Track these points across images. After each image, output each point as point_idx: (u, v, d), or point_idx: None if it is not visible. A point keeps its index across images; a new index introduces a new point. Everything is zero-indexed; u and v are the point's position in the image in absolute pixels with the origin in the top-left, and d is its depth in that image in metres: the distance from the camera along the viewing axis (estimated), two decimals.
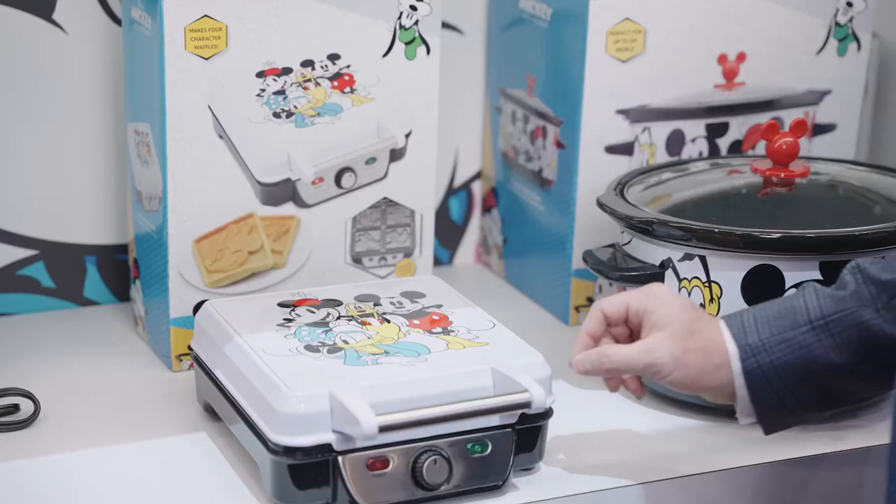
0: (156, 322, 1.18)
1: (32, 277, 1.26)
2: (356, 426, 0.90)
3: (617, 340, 1.00)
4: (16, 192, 1.24)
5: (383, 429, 0.90)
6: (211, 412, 1.06)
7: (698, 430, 1.08)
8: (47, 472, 0.99)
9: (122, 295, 1.29)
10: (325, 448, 0.93)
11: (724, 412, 1.09)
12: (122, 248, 1.28)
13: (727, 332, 0.95)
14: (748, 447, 1.05)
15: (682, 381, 0.96)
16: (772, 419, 0.96)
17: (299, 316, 1.04)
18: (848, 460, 1.05)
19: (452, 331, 1.02)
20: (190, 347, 1.08)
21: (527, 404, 0.94)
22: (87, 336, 1.22)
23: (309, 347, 0.99)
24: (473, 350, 1.00)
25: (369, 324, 1.03)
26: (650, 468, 1.01)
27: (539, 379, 0.97)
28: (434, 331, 1.02)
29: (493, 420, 0.96)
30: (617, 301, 0.99)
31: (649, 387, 1.12)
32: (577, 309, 1.27)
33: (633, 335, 1.00)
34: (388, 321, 1.04)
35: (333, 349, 0.99)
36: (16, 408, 1.06)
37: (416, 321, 1.04)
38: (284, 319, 1.04)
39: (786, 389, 0.94)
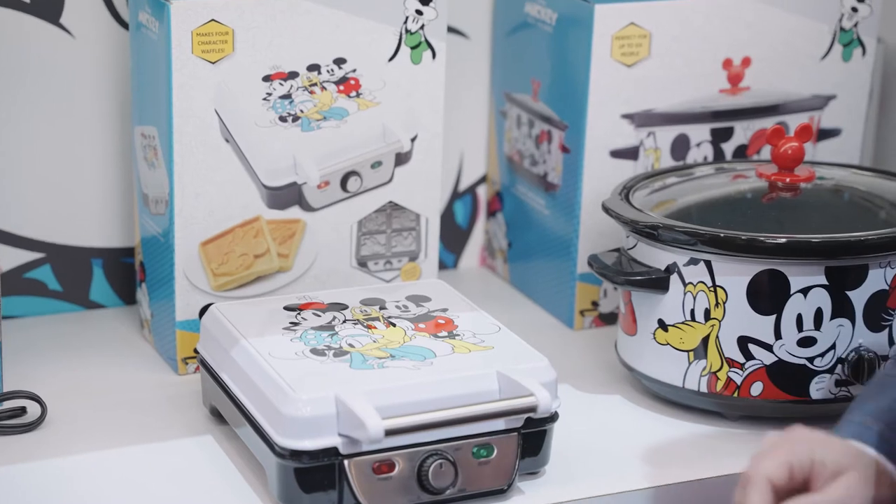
0: (162, 325, 1.18)
1: (39, 280, 1.26)
2: (362, 430, 0.90)
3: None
4: (22, 195, 1.24)
5: (389, 432, 0.91)
6: (217, 415, 1.06)
7: (704, 435, 1.08)
8: (53, 475, 1.00)
9: (129, 298, 1.29)
10: (331, 452, 0.93)
11: (729, 417, 1.10)
12: (129, 252, 1.28)
13: (882, 458, 0.89)
14: (753, 452, 1.04)
15: None
16: None
17: (305, 319, 1.05)
18: None
19: (458, 335, 1.03)
20: (196, 351, 1.08)
21: (532, 408, 0.95)
22: (93, 339, 1.22)
23: (315, 351, 0.99)
24: (479, 354, 1.00)
25: (375, 327, 1.03)
26: (655, 473, 1.01)
27: (545, 383, 0.97)
28: (439, 335, 1.03)
29: (499, 424, 0.96)
30: (778, 467, 0.86)
31: (652, 391, 1.13)
32: (581, 313, 1.28)
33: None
34: (394, 325, 1.04)
35: (339, 353, 0.99)
36: (23, 410, 1.06)
37: (421, 325, 1.04)
38: (290, 323, 1.04)
39: None
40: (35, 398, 1.06)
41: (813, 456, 0.87)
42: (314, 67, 1.14)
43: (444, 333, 1.03)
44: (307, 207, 1.17)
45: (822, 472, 0.87)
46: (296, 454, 0.93)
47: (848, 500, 0.86)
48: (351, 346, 1.00)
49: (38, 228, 1.25)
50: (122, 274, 1.28)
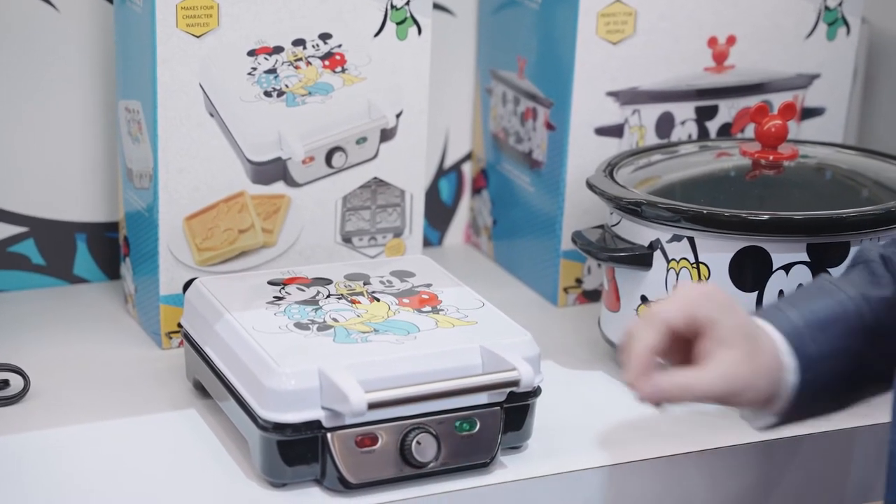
0: (146, 300, 1.18)
1: (22, 254, 1.26)
2: (345, 403, 0.91)
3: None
4: (6, 169, 1.24)
5: (372, 406, 0.91)
6: (200, 389, 1.07)
7: (686, 411, 1.08)
8: (36, 448, 1.00)
9: (112, 272, 1.29)
10: (314, 425, 0.93)
11: None
12: (113, 226, 1.28)
13: (782, 341, 0.87)
14: (734, 427, 1.05)
15: (750, 403, 0.88)
16: (787, 423, 0.90)
17: (289, 294, 1.05)
18: (832, 441, 1.06)
19: (442, 310, 1.03)
20: (180, 325, 1.09)
21: (515, 382, 0.95)
22: (76, 313, 1.22)
23: (299, 325, 0.99)
24: (462, 329, 1.00)
25: (359, 302, 1.04)
26: (637, 447, 1.02)
27: (528, 358, 0.97)
28: (423, 310, 1.03)
29: (482, 398, 0.96)
30: (680, 313, 0.87)
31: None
32: (565, 290, 1.28)
33: (678, 343, 0.89)
34: (378, 300, 1.04)
35: (323, 327, 0.99)
36: (5, 384, 1.06)
37: (405, 300, 1.04)
38: (274, 297, 1.04)
39: (827, 397, 0.89)
40: (18, 371, 1.06)
41: (713, 315, 0.86)
42: (299, 42, 1.14)
43: (428, 308, 1.03)
44: (292, 183, 1.17)
45: (713, 334, 0.86)
46: (279, 427, 0.93)
47: (724, 387, 0.85)
48: (335, 320, 1.00)
49: (21, 202, 1.25)
50: (106, 248, 1.28)
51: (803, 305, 0.89)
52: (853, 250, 1.06)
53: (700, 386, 0.85)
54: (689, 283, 0.91)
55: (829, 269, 1.06)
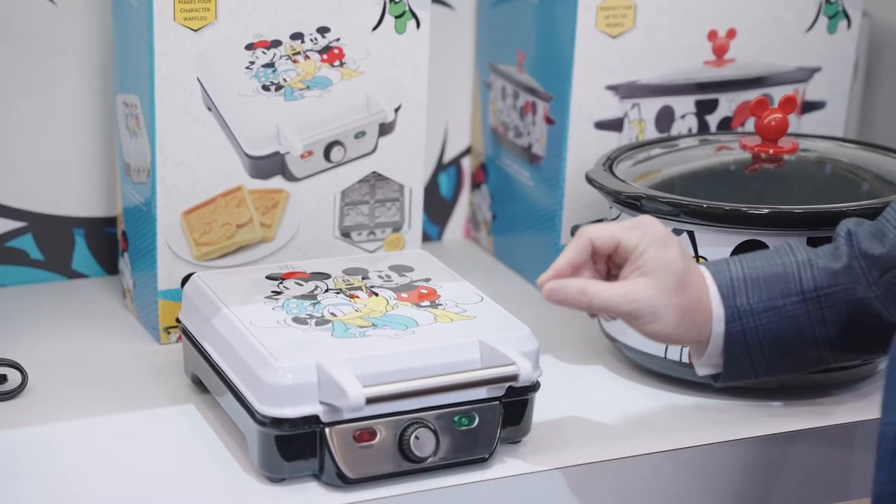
0: (144, 295, 1.18)
1: (21, 249, 1.26)
2: (343, 398, 0.90)
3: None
4: (4, 164, 1.24)
5: (370, 400, 0.91)
6: (198, 384, 1.06)
7: (684, 405, 1.08)
8: (34, 443, 0.99)
9: (111, 268, 1.29)
10: (312, 420, 0.93)
11: (711, 387, 1.10)
12: (111, 221, 1.28)
13: (715, 290, 0.92)
14: (734, 422, 1.05)
15: (655, 334, 0.93)
16: (733, 378, 0.94)
17: (287, 289, 1.04)
18: (831, 436, 1.05)
19: (440, 304, 1.03)
20: (178, 320, 1.08)
21: (514, 377, 0.95)
22: (75, 308, 1.22)
23: (297, 320, 0.99)
24: (461, 323, 1.00)
25: (357, 297, 1.03)
26: (636, 442, 1.02)
27: (526, 352, 0.97)
28: (422, 304, 1.02)
29: (481, 393, 0.96)
30: (607, 234, 0.93)
31: (635, 361, 1.13)
32: None
33: (610, 269, 0.96)
34: (376, 294, 1.04)
35: (321, 321, 0.99)
36: (3, 379, 1.06)
37: (404, 294, 1.04)
38: (272, 292, 1.04)
39: (761, 356, 0.92)
40: (16, 366, 1.06)
41: (640, 245, 0.90)
42: (297, 36, 1.14)
43: (427, 303, 1.03)
44: (290, 177, 1.17)
45: (634, 262, 0.90)
46: (277, 422, 0.93)
47: (623, 305, 0.90)
48: (333, 314, 1.00)
49: (19, 197, 1.25)
50: (105, 243, 1.28)
51: (748, 262, 0.92)
52: None
53: (598, 295, 0.90)
54: (643, 216, 0.94)
55: None
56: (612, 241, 0.92)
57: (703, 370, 0.95)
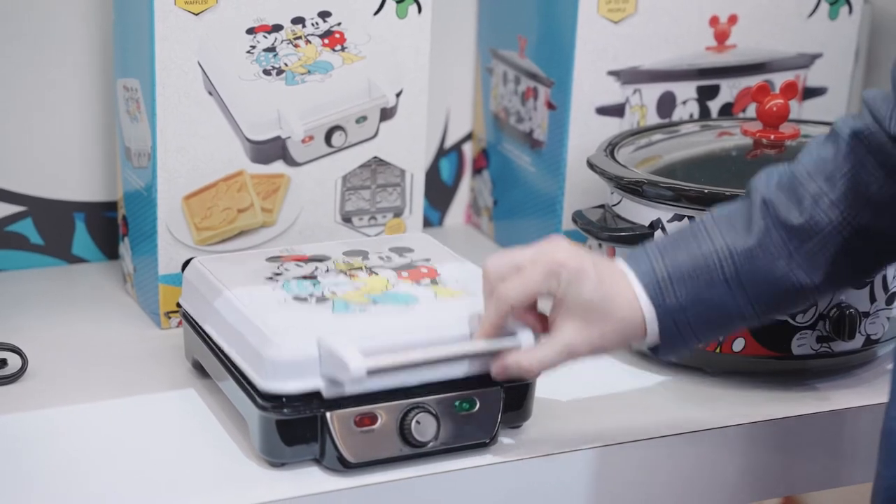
0: (144, 279, 1.18)
1: (21, 234, 1.26)
2: (344, 370, 0.90)
3: None
4: (4, 148, 1.23)
5: (372, 372, 0.90)
6: (199, 369, 1.06)
7: (684, 391, 1.08)
8: (34, 427, 0.99)
9: (111, 252, 1.28)
10: (314, 398, 0.92)
11: (710, 373, 1.10)
12: (111, 206, 1.27)
13: (643, 293, 0.93)
14: (734, 408, 1.05)
15: (602, 356, 0.97)
16: (669, 355, 0.97)
17: (287, 270, 1.04)
18: (830, 421, 1.06)
19: (440, 282, 1.03)
20: (178, 304, 1.08)
21: (516, 349, 0.94)
22: (75, 293, 1.22)
23: (297, 298, 0.99)
24: (462, 299, 1.00)
25: (357, 276, 1.03)
26: (637, 427, 1.02)
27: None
28: (422, 282, 1.02)
29: (482, 367, 0.95)
30: (523, 293, 0.93)
31: (635, 346, 1.13)
32: None
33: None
34: (377, 274, 1.04)
35: (321, 299, 0.99)
36: (3, 363, 1.06)
37: (404, 273, 1.04)
38: (273, 274, 1.04)
39: (694, 338, 0.95)
40: (16, 350, 1.06)
41: (558, 291, 0.92)
42: (299, 20, 1.13)
43: (427, 281, 1.03)
44: (291, 162, 1.17)
45: (557, 305, 0.93)
46: (277, 404, 0.93)
47: (568, 358, 0.93)
48: (333, 293, 1.00)
49: (20, 182, 1.25)
50: (105, 228, 1.28)
51: (669, 255, 0.94)
52: None
53: (541, 360, 0.93)
54: (544, 249, 0.94)
55: None
56: (530, 298, 0.94)
57: (644, 348, 0.98)
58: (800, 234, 0.93)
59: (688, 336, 0.94)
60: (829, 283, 0.94)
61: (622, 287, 0.93)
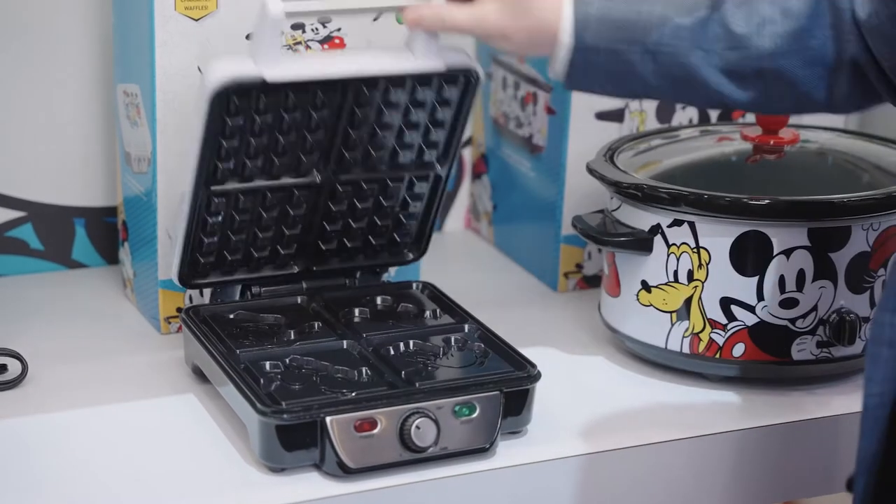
0: (144, 284, 1.18)
1: (21, 239, 1.26)
2: (265, 16, 0.95)
3: None
4: (4, 154, 1.23)
5: (290, 14, 0.96)
6: (199, 374, 1.06)
7: (686, 396, 1.08)
8: (34, 432, 0.99)
9: (111, 257, 1.28)
10: (314, 408, 0.93)
11: (710, 378, 1.10)
12: (111, 211, 1.28)
13: (570, 21, 0.96)
14: (734, 413, 1.05)
15: (505, 50, 1.02)
16: (576, 89, 1.00)
17: None
18: (829, 427, 1.06)
19: None
20: (178, 309, 1.08)
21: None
22: (75, 298, 1.22)
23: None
24: None
25: None
26: (636, 433, 1.02)
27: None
28: None
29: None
30: None
31: (635, 352, 1.13)
32: (565, 275, 1.28)
33: None
34: None
35: None
36: (3, 368, 1.06)
37: None
38: None
39: (597, 84, 0.98)
40: (16, 356, 1.06)
41: None
42: (298, 26, 1.14)
43: None
44: None
45: None
46: (277, 411, 0.93)
47: (476, 29, 0.98)
48: None
49: (20, 187, 1.25)
50: (105, 233, 1.28)
51: (613, 1, 0.97)
52: (854, 235, 1.06)
53: (454, 19, 0.99)
54: None
55: (830, 254, 1.06)
56: None
57: (552, 75, 1.01)
58: (731, 41, 0.95)
59: (592, 79, 0.97)
60: (730, 95, 0.96)
61: (554, 3, 0.97)
